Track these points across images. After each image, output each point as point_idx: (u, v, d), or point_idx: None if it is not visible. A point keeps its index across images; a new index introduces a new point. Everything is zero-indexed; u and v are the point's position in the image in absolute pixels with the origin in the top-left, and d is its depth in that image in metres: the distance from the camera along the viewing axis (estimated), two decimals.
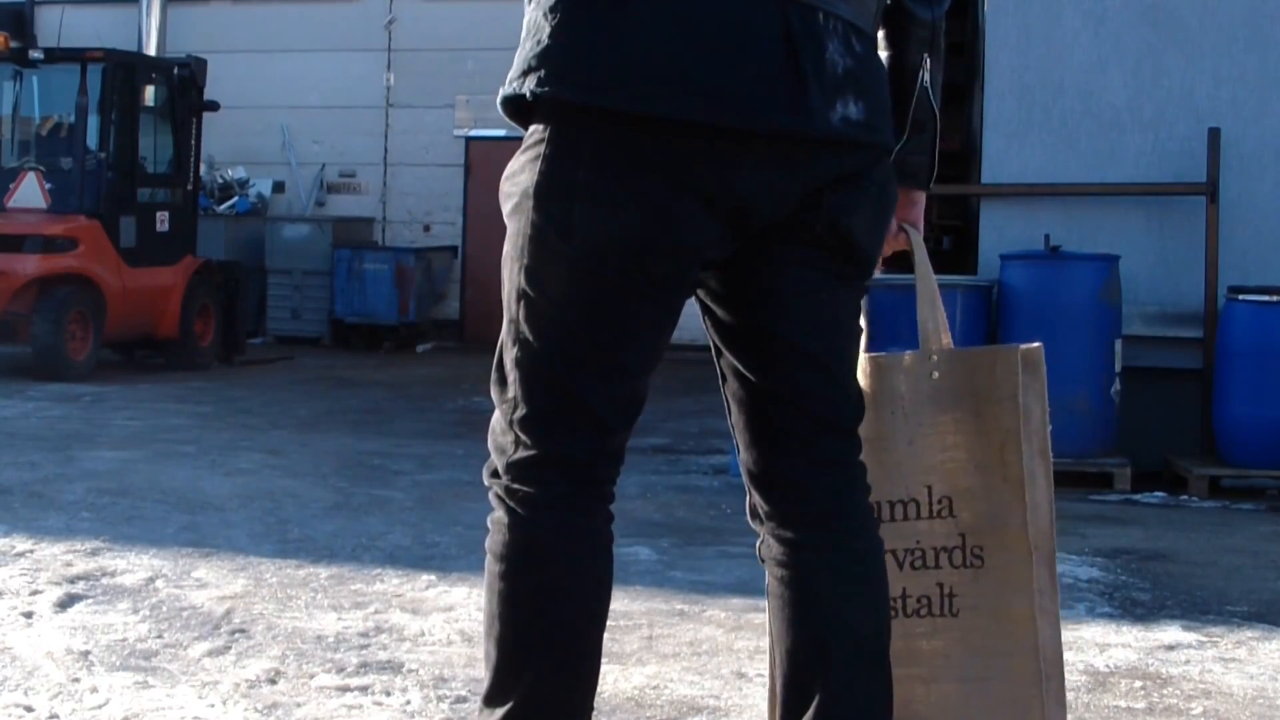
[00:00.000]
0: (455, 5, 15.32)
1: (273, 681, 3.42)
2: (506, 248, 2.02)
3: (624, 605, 4.11)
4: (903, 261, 2.42)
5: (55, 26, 13.59)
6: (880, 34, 2.14)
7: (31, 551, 4.80)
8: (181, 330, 11.83)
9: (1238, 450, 6.72)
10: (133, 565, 4.65)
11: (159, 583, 4.42)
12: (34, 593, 4.23)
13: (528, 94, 1.94)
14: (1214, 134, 7.10)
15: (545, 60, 1.93)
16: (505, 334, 2.03)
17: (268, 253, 15.00)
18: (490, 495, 2.04)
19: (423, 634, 3.89)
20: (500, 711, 1.98)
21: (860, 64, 2.00)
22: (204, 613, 4.06)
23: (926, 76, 2.20)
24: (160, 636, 3.80)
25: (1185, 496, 6.61)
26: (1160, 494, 6.66)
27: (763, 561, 2.13)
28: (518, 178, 2.00)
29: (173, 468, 6.77)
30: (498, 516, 2.02)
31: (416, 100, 15.66)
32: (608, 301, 1.96)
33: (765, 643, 2.24)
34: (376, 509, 5.85)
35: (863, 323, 2.16)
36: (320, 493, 6.19)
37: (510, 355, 2.02)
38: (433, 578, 4.57)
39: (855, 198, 2.02)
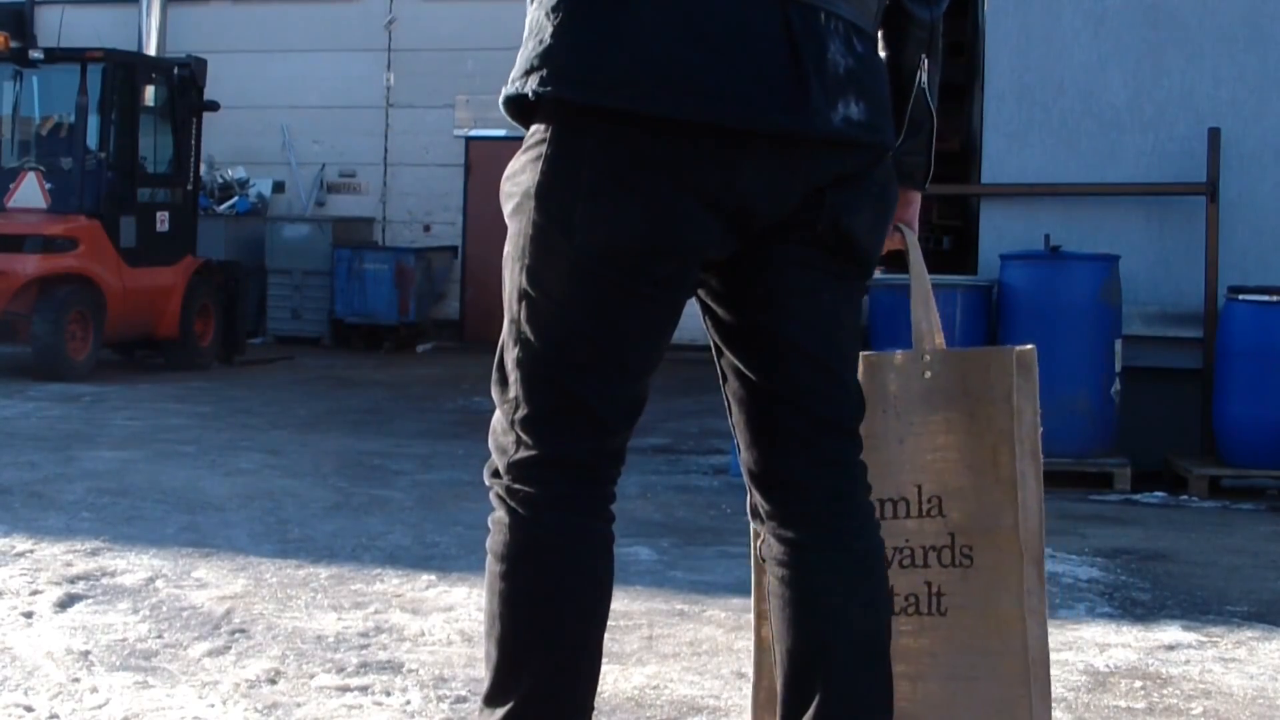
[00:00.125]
0: (455, 5, 15.32)
1: (273, 681, 3.42)
2: (508, 248, 2.02)
3: (624, 605, 4.11)
4: (897, 261, 2.42)
5: (55, 26, 13.59)
6: (878, 34, 2.14)
7: (31, 551, 4.80)
8: (181, 330, 11.83)
9: (1238, 450, 6.72)
10: (133, 565, 4.65)
11: (159, 583, 4.42)
12: (34, 593, 4.23)
13: (530, 94, 1.94)
14: (1214, 134, 7.10)
15: (547, 60, 1.93)
16: (506, 334, 2.03)
17: (268, 253, 15.00)
18: (491, 495, 2.04)
19: (423, 634, 3.89)
20: (501, 711, 1.98)
21: (861, 64, 2.00)
22: (204, 613, 4.06)
23: (924, 77, 2.20)
24: (160, 636, 3.80)
25: (1185, 496, 6.61)
26: (1160, 494, 6.66)
27: (762, 561, 2.13)
28: (519, 178, 2.00)
29: (173, 468, 6.76)
30: (498, 516, 2.02)
31: (416, 100, 15.66)
32: (609, 301, 1.96)
33: None
34: (376, 509, 5.85)
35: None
36: (320, 493, 6.19)
37: (511, 355, 2.01)
38: (433, 578, 4.57)
39: (856, 197, 2.02)
